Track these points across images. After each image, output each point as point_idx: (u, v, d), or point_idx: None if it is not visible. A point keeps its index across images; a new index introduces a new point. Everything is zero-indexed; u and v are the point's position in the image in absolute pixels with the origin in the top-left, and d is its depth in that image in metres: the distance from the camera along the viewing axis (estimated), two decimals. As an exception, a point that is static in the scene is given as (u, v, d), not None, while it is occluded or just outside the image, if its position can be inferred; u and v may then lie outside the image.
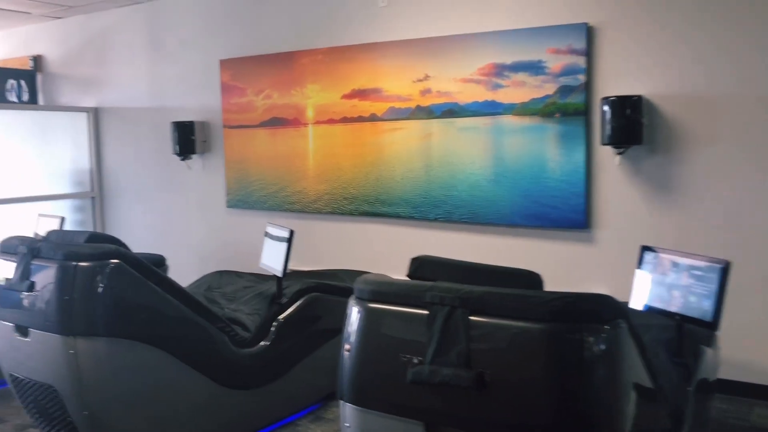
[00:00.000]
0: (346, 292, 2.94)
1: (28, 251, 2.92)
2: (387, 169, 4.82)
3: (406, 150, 4.75)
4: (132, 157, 6.25)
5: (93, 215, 6.53)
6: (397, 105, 4.74)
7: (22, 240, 3.05)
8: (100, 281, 2.75)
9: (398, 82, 4.72)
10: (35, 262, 2.89)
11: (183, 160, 5.80)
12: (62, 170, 6.33)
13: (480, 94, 4.39)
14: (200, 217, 5.87)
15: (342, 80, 4.96)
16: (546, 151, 4.19)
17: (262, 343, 3.40)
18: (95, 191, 6.50)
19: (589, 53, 4.00)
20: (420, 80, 4.62)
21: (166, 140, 5.92)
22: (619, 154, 3.88)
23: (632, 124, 3.78)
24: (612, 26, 3.94)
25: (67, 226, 6.35)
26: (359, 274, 3.36)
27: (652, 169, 3.89)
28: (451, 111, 4.52)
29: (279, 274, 3.45)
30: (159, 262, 4.76)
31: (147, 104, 6.09)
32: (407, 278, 2.38)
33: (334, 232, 5.14)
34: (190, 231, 5.93)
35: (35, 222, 4.59)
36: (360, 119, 4.91)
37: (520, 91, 4.24)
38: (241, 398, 3.24)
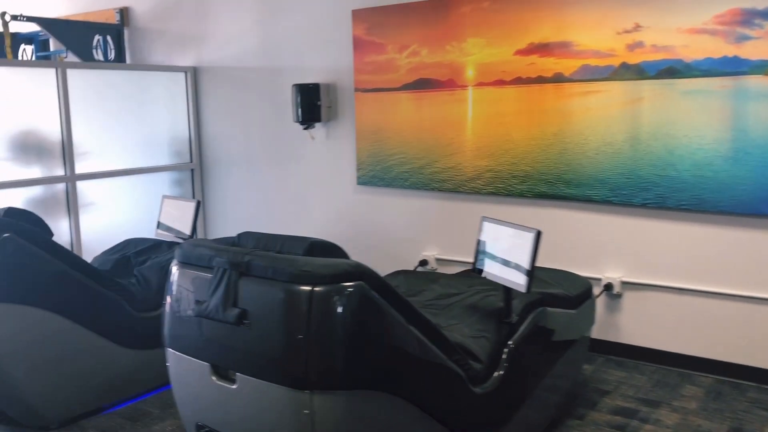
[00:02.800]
0: (571, 303, 3.13)
1: (230, 266, 2.18)
2: (575, 141, 3.94)
3: (604, 118, 3.85)
4: (239, 124, 5.44)
5: (192, 190, 5.77)
6: (594, 62, 3.83)
7: (216, 249, 2.29)
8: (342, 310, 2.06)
9: (596, 33, 3.80)
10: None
11: (306, 128, 4.97)
12: (157, 138, 5.56)
13: (716, 49, 3.46)
14: (323, 195, 5.06)
15: (516, 32, 4.05)
16: (813, 121, 3.27)
17: (495, 374, 2.61)
18: (195, 162, 5.73)
19: None
20: (627, 31, 3.70)
21: (282, 105, 5.10)
22: None
23: None
24: None
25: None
26: (576, 278, 3.43)
27: None
28: (672, 70, 3.60)
29: (518, 287, 2.61)
30: None
31: (257, 63, 5.25)
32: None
33: (497, 217, 4.28)
34: (309, 211, 5.14)
35: (160, 206, 3.83)
36: (540, 80, 4.01)
37: (778, 43, 3.30)
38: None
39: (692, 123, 3.58)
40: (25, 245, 2.98)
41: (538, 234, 2.54)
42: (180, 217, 3.69)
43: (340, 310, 1.96)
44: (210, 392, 2.19)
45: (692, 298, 3.73)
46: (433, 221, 4.58)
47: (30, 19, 5.48)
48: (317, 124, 4.98)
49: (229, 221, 5.62)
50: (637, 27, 3.66)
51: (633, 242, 3.87)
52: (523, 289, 2.53)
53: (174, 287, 2.32)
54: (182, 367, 2.31)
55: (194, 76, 5.65)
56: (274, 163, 5.28)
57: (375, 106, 4.69)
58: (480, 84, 4.24)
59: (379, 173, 4.73)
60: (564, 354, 3.05)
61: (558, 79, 3.95)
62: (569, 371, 3.23)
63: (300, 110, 4.87)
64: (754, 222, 3.48)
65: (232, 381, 2.13)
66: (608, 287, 3.92)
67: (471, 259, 4.37)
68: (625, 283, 3.92)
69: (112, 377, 3.40)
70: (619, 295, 3.95)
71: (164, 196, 3.85)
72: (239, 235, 2.37)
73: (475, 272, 2.87)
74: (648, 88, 3.68)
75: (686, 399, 3.46)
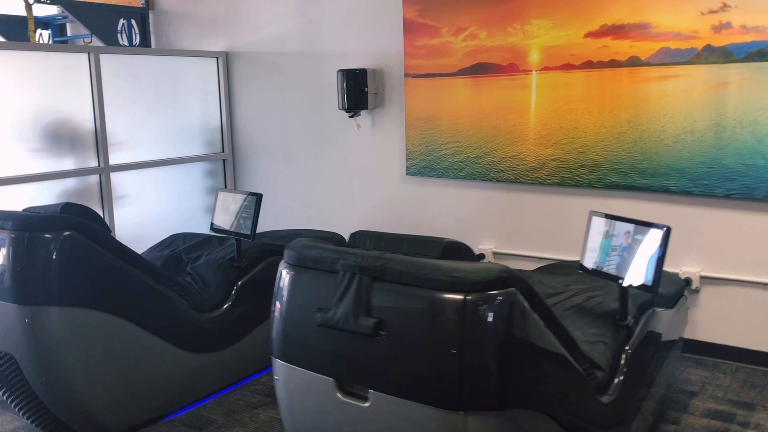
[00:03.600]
0: (670, 302, 2.97)
1: (361, 270, 1.97)
2: (651, 129, 3.73)
3: (685, 104, 3.64)
4: (274, 112, 5.19)
5: (224, 181, 5.52)
6: (674, 45, 3.61)
7: (338, 252, 2.06)
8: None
9: (676, 14, 3.58)
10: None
11: (352, 116, 4.73)
12: (188, 128, 5.30)
13: (814, 29, 3.25)
14: (368, 186, 4.83)
15: (586, 13, 3.83)
16: None
17: (615, 381, 2.42)
18: (227, 152, 5.47)
19: None
20: (713, 11, 3.48)
21: (324, 92, 4.86)
22: None
23: None
24: None
25: (199, 194, 5.38)
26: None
27: None
28: (763, 53, 3.39)
29: (642, 287, 2.39)
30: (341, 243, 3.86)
31: (296, 48, 5.00)
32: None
33: (561, 209, 4.09)
34: (352, 203, 4.91)
35: (214, 200, 3.58)
36: (613, 64, 3.79)
37: None
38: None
39: (784, 109, 3.38)
40: (88, 244, 2.74)
41: (668, 230, 2.32)
42: (237, 212, 3.45)
43: (496, 320, 1.74)
44: (334, 410, 1.96)
45: (750, 289, 3.54)
46: (490, 214, 4.37)
47: (54, 1, 5.19)
48: (363, 112, 4.74)
49: (264, 214, 5.37)
50: (725, 7, 3.45)
51: (713, 235, 3.67)
52: (649, 290, 2.32)
53: (285, 292, 2.09)
54: (298, 382, 2.08)
55: (226, 61, 5.38)
56: (314, 152, 5.04)
57: (427, 93, 4.46)
58: (545, 68, 4.01)
59: (430, 163, 4.50)
60: (668, 356, 2.86)
61: (633, 63, 3.73)
62: (668, 375, 3.04)
63: (345, 97, 4.63)
64: None
65: (363, 398, 1.91)
66: (687, 282, 3.72)
67: (531, 253, 4.21)
68: (704, 278, 3.73)
69: (172, 383, 3.18)
70: (697, 290, 3.76)
71: (219, 189, 3.61)
72: (353, 235, 2.14)
73: (582, 270, 2.65)
74: (735, 72, 3.48)
75: (780, 401, 3.28)
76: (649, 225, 2.39)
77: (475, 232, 4.43)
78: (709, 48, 3.52)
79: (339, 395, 1.97)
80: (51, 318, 2.67)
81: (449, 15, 4.29)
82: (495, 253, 4.37)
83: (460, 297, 1.73)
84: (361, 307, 1.86)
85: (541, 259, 4.18)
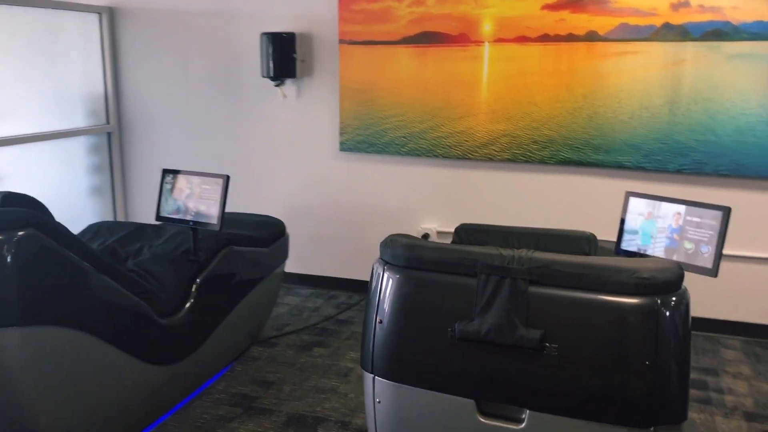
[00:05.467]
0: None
1: (513, 274, 1.61)
2: (607, 105, 3.75)
3: (642, 81, 3.69)
4: (176, 79, 4.56)
5: (110, 158, 4.78)
6: (633, 21, 3.64)
7: (467, 251, 1.71)
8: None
9: (638, -10, 3.60)
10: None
11: (278, 85, 4.27)
12: (66, 96, 4.49)
13: (767, 12, 3.42)
14: (296, 162, 4.42)
15: (544, -15, 3.74)
16: None
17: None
18: (113, 124, 4.74)
19: None
20: (672, -10, 3.54)
21: (242, 57, 4.35)
22: None
23: None
24: None
25: (81, 174, 4.62)
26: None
27: None
28: (719, 32, 3.51)
29: (705, 271, 2.34)
30: (280, 229, 3.52)
31: (203, 5, 4.40)
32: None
33: (513, 185, 4.02)
34: (279, 181, 4.47)
35: (161, 183, 3.02)
36: (570, 38, 3.75)
37: (830, 9, 3.32)
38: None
39: (736, 88, 3.54)
40: (50, 244, 2.14)
41: (728, 211, 2.28)
42: (195, 198, 2.94)
43: (684, 325, 1.55)
44: (475, 437, 1.67)
45: (725, 263, 3.75)
46: (435, 191, 4.19)
47: None
48: (288, 81, 4.30)
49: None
50: (684, -14, 3.52)
51: (667, 209, 3.79)
52: (706, 272, 2.27)
53: (393, 299, 1.73)
54: (417, 405, 1.74)
55: (110, 18, 4.62)
56: (230, 125, 4.51)
57: (365, 62, 4.14)
58: (499, 40, 3.87)
59: (369, 138, 4.20)
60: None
61: (591, 37, 3.71)
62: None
63: (272, 63, 4.16)
64: (794, 186, 3.54)
65: (514, 420, 1.64)
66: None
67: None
68: (653, 251, 3.85)
69: (138, 402, 2.65)
70: (646, 263, 3.88)
71: (165, 170, 3.05)
72: (458, 230, 1.83)
73: (618, 253, 2.56)
74: (691, 50, 3.58)
75: (735, 364, 3.48)
76: (706, 206, 2.33)
77: (418, 210, 4.23)
78: (667, 26, 3.59)
79: (480, 418, 1.68)
80: (10, 342, 2.06)
81: (392, -22, 3.99)
82: (439, 232, 4.20)
83: (652, 300, 1.52)
84: (518, 316, 1.58)
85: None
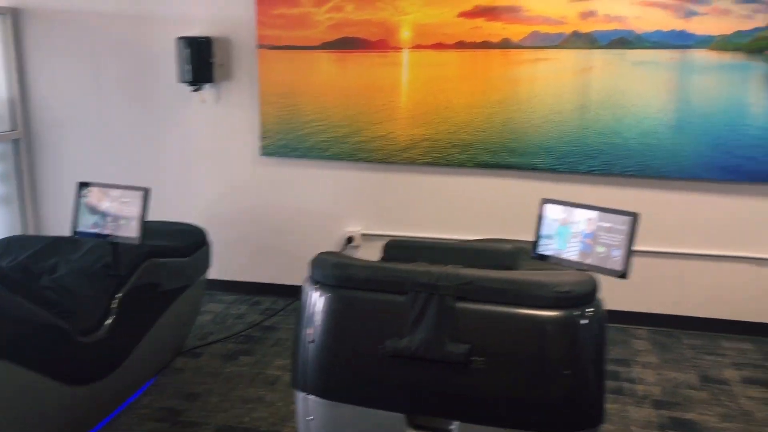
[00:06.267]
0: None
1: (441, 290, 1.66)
2: (521, 110, 3.89)
3: (553, 87, 3.85)
4: (88, 83, 4.40)
5: (17, 166, 4.57)
6: (544, 29, 3.79)
7: (395, 268, 1.74)
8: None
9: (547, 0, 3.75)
10: None
11: (196, 90, 4.20)
12: (-33, 101, 4.28)
13: (666, 22, 3.64)
14: (216, 168, 4.36)
15: (460, -7, 3.83)
16: (748, 94, 3.63)
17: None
18: (20, 131, 4.53)
19: (816, -19, 3.44)
20: (580, -1, 3.71)
21: (157, 61, 4.26)
22: None
23: None
24: None
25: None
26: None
27: None
28: (623, 40, 3.71)
29: (612, 272, 2.47)
30: (201, 237, 3.48)
31: (114, 7, 4.27)
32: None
33: (433, 188, 4.11)
34: (197, 187, 4.40)
35: (76, 196, 2.92)
36: (486, 45, 3.86)
37: (721, 20, 3.57)
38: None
39: (640, 93, 3.75)
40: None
41: (636, 217, 2.43)
42: (113, 211, 2.87)
43: (600, 335, 1.65)
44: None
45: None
46: (358, 195, 4.23)
47: None
48: (207, 86, 4.23)
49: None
50: (590, -4, 3.69)
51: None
52: (617, 274, 2.41)
53: (324, 318, 1.75)
54: (349, 421, 1.77)
55: (14, 19, 4.41)
56: (145, 131, 4.40)
57: (286, 66, 4.13)
58: (417, 46, 3.95)
59: (290, 142, 4.20)
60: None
61: (505, 45, 3.84)
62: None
63: (189, 68, 4.09)
64: (693, 185, 3.79)
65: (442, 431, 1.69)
66: (555, 253, 3.99)
67: (402, 233, 4.18)
68: (567, 248, 4.03)
69: (57, 423, 2.57)
70: (561, 260, 4.05)
71: (81, 183, 2.95)
72: (387, 247, 1.87)
73: (536, 258, 2.67)
74: (599, 57, 3.76)
75: (644, 353, 3.70)
76: (616, 212, 2.47)
77: (342, 214, 4.26)
78: (576, 34, 3.75)
79: (411, 431, 1.73)
80: None
81: (310, -17, 3.99)
82: (364, 235, 4.25)
83: (570, 312, 1.61)
84: (446, 332, 1.64)
85: (411, 239, 4.16)
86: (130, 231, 2.82)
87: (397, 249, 1.94)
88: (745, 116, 3.63)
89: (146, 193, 2.83)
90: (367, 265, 1.81)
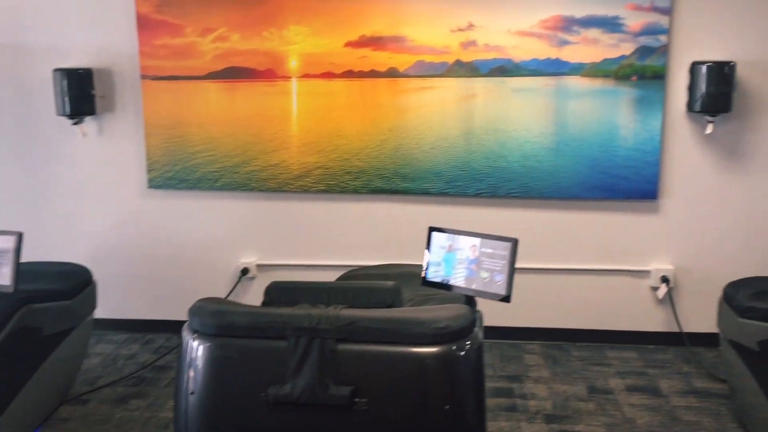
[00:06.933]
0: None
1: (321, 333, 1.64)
2: (411, 136, 3.98)
3: (440, 114, 3.97)
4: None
5: None
6: (429, 59, 3.90)
7: (275, 314, 1.71)
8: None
9: (431, 30, 3.87)
10: None
11: (76, 123, 4.03)
12: None
13: (541, 51, 3.84)
14: (101, 203, 4.20)
15: (345, 24, 3.89)
16: (618, 117, 3.87)
17: None
18: None
19: (671, 12, 3.73)
20: (461, 30, 3.85)
21: (31, 93, 4.09)
22: (710, 122, 3.75)
23: (724, 92, 3.66)
24: (696, -14, 3.72)
25: None
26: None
27: (728, 137, 3.85)
28: (503, 69, 3.88)
29: (494, 296, 2.56)
30: (85, 277, 3.34)
31: (-16, 38, 4.05)
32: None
33: (328, 215, 4.12)
34: (81, 224, 4.22)
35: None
36: (373, 74, 3.93)
37: (591, 49, 3.80)
38: None
39: (520, 118, 3.92)
40: None
41: (516, 242, 2.53)
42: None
43: (478, 367, 1.69)
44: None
45: (520, 275, 4.12)
46: (252, 225, 4.18)
47: None
48: (87, 118, 4.08)
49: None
50: (471, 26, 3.84)
51: (468, 229, 4.09)
52: (499, 298, 2.50)
53: (203, 369, 1.70)
54: None
55: None
56: (21, 166, 4.18)
57: (171, 97, 4.04)
58: (306, 76, 3.97)
59: (179, 174, 4.10)
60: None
61: (393, 74, 3.92)
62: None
63: (68, 101, 3.93)
64: (573, 204, 3.99)
65: None
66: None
67: (298, 261, 4.17)
68: (460, 270, 4.14)
69: None
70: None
71: (-56, 228, 2.76)
72: (268, 290, 1.85)
73: (425, 284, 2.73)
74: (481, 85, 3.91)
75: (536, 368, 3.84)
76: (497, 238, 2.57)
77: (236, 245, 4.19)
78: (458, 63, 3.89)
79: None
80: None
81: (194, 13, 3.94)
82: (259, 266, 4.20)
83: (448, 348, 1.65)
84: (328, 375, 1.63)
85: (309, 266, 4.16)
86: (3, 279, 2.66)
87: (279, 292, 1.93)
88: (616, 138, 3.86)
89: (19, 237, 2.68)
90: (246, 311, 1.79)
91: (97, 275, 3.66)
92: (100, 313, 3.74)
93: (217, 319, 1.80)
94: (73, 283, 3.34)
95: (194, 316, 1.81)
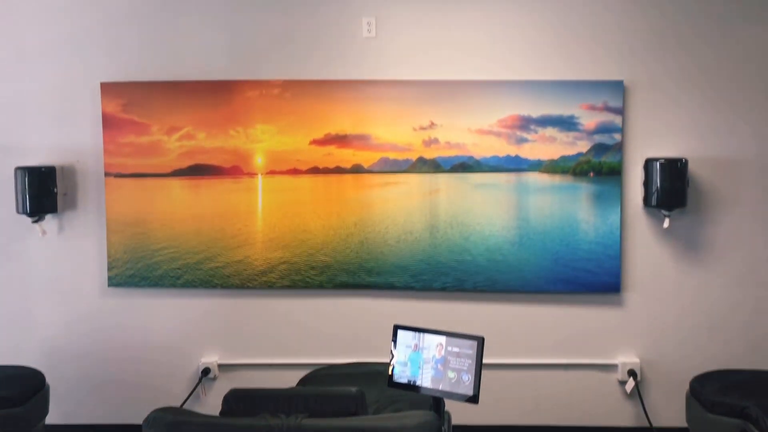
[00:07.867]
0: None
1: None
2: (376, 231, 4.01)
3: (404, 208, 4.01)
4: None
5: None
6: (393, 155, 3.99)
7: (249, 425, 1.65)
8: None
9: (394, 128, 3.97)
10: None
11: (36, 221, 3.97)
12: None
13: (500, 148, 3.95)
14: (57, 303, 4.08)
15: (311, 122, 3.98)
16: (578, 211, 3.96)
17: None
18: None
19: (624, 112, 3.90)
20: (423, 128, 3.96)
21: (-4, 192, 4.01)
22: (667, 216, 3.86)
23: (678, 187, 3.79)
24: (645, 85, 3.91)
25: None
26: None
27: (685, 230, 3.95)
28: (464, 165, 3.97)
29: (459, 397, 2.51)
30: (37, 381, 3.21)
31: (-54, 136, 4.03)
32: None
33: (293, 311, 4.07)
34: (36, 325, 4.08)
35: None
36: (338, 171, 3.99)
37: (549, 147, 3.93)
38: None
39: (484, 212, 3.99)
40: None
41: (482, 341, 2.51)
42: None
43: None
44: None
45: (487, 371, 4.07)
46: (214, 323, 4.09)
47: None
48: (48, 216, 4.02)
49: None
50: (432, 125, 3.95)
51: (435, 323, 4.05)
52: (466, 399, 2.45)
53: None
54: None
55: None
56: (-23, 265, 4.06)
57: (135, 194, 4.03)
58: (272, 172, 4.00)
59: (140, 272, 4.03)
60: None
61: (358, 170, 3.99)
62: None
63: (28, 199, 3.89)
64: (538, 298, 4.00)
65: None
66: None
67: (261, 360, 4.06)
68: (428, 365, 4.08)
69: None
70: (422, 378, 4.08)
71: None
72: (227, 398, 1.78)
73: (391, 386, 2.67)
74: (444, 180, 3.98)
75: (507, 467, 3.74)
76: (462, 336, 2.54)
77: (198, 343, 4.08)
78: (421, 159, 3.98)
79: None
80: None
81: (160, 113, 3.99)
82: (221, 365, 4.08)
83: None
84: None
85: (271, 365, 4.06)
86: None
87: (237, 400, 1.86)
88: (577, 232, 3.94)
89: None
90: (203, 423, 1.72)
91: (51, 378, 3.53)
92: (52, 418, 3.57)
93: (176, 427, 1.71)
94: (22, 389, 3.20)
95: (149, 428, 1.73)
